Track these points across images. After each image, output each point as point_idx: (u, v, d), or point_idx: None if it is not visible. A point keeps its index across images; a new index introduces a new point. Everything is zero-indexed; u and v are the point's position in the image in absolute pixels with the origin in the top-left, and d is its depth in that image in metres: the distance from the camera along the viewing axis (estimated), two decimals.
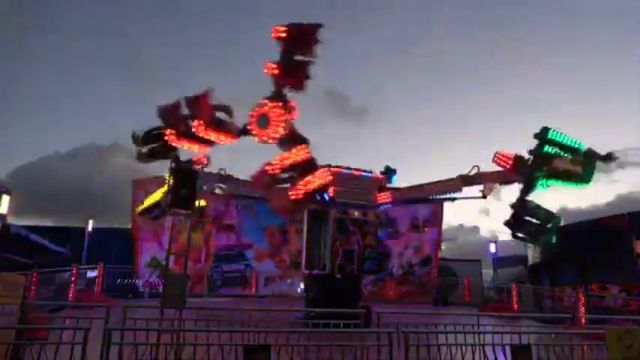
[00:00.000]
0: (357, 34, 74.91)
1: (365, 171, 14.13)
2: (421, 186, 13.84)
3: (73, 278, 17.08)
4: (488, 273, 26.71)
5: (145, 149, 12.56)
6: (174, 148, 12.36)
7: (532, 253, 26.45)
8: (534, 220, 12.50)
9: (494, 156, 12.91)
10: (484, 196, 13.44)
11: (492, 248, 27.18)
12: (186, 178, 9.00)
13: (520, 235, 12.84)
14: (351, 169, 14.01)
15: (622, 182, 77.56)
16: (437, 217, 23.58)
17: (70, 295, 16.73)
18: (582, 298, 16.24)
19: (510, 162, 12.66)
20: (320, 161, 13.49)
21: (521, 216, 12.54)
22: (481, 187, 13.50)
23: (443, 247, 24.80)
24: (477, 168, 13.38)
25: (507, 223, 12.71)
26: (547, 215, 12.41)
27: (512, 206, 12.67)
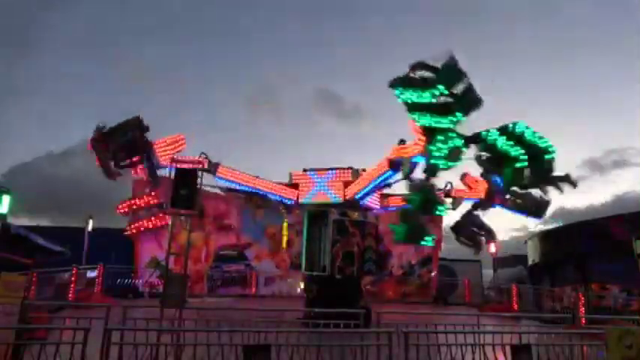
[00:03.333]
0: (351, 34, 74.87)
1: (330, 169, 14.47)
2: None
3: (73, 278, 17.07)
4: (488, 273, 26.71)
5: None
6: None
7: (532, 253, 26.45)
8: (477, 231, 13.02)
9: (463, 177, 13.79)
10: (453, 209, 14.15)
11: (492, 248, 27.17)
12: (187, 177, 8.99)
13: (463, 241, 13.30)
14: (317, 170, 14.47)
15: (618, 183, 77.72)
16: (437, 217, 23.55)
17: (70, 295, 16.72)
18: (582, 298, 16.23)
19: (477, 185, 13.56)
20: (314, 163, 13.69)
21: (467, 227, 13.05)
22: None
23: (442, 247, 24.78)
24: (449, 184, 14.29)
25: (452, 228, 13.26)
26: (489, 231, 12.97)
27: (462, 217, 13.21)
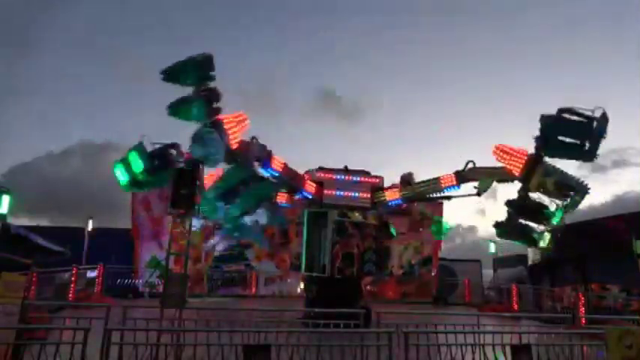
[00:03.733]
0: (349, 33, 74.98)
1: (357, 172, 14.39)
2: (421, 183, 13.73)
3: (73, 278, 17.07)
4: (488, 273, 26.67)
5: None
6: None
7: (532, 253, 26.42)
8: (529, 223, 11.70)
9: (494, 150, 11.89)
10: (478, 194, 12.75)
11: (492, 248, 27.16)
12: (187, 178, 8.99)
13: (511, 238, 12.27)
14: (344, 171, 14.32)
15: (618, 182, 77.74)
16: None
17: (70, 295, 16.72)
18: (582, 298, 16.22)
19: (510, 158, 11.67)
20: (313, 163, 13.61)
21: (516, 218, 11.71)
22: (476, 184, 12.71)
23: (442, 247, 24.78)
24: (471, 163, 12.61)
25: (497, 225, 11.87)
26: (546, 216, 11.44)
27: (508, 204, 11.74)
